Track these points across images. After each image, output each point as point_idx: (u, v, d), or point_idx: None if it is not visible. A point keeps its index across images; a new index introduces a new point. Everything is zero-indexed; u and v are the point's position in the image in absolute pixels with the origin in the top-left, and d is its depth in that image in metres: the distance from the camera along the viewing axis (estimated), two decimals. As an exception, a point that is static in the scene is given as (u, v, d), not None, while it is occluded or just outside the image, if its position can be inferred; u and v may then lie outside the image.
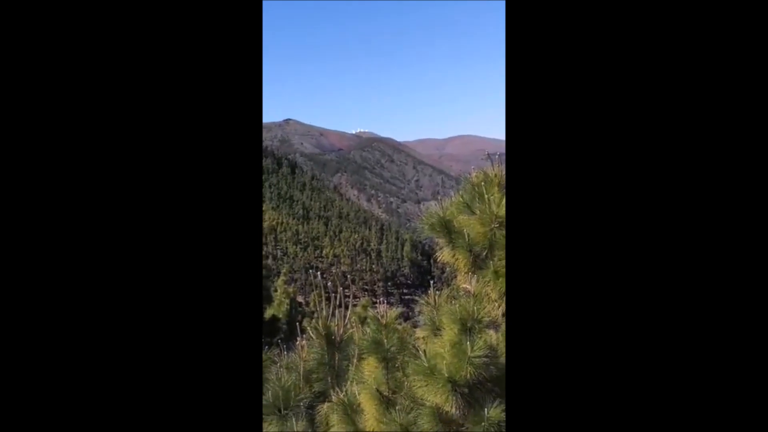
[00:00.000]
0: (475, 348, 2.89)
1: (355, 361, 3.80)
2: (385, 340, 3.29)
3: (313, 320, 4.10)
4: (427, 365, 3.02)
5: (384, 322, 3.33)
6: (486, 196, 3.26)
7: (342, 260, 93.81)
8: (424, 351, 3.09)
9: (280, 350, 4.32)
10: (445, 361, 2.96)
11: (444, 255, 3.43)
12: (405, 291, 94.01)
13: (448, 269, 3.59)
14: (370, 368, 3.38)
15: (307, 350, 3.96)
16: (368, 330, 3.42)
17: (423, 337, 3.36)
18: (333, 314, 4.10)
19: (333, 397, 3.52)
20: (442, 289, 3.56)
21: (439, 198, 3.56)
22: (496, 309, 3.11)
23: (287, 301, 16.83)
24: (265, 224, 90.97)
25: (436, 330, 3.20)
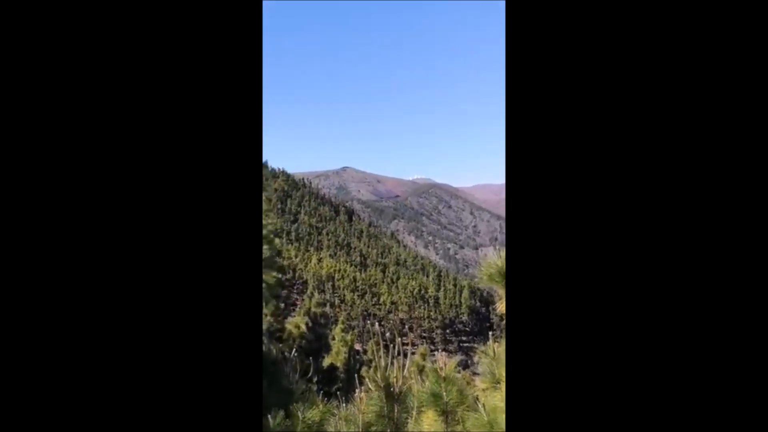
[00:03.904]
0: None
1: (414, 413, 3.75)
2: (444, 393, 3.25)
3: (371, 369, 4.08)
4: (486, 419, 2.96)
5: (443, 375, 3.29)
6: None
7: (399, 307, 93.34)
8: (483, 404, 3.04)
9: (339, 402, 4.31)
10: (504, 416, 2.90)
11: (504, 306, 3.39)
12: (464, 338, 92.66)
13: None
14: (430, 421, 3.34)
15: (366, 402, 3.94)
16: (427, 382, 3.39)
17: (483, 389, 3.30)
18: (391, 363, 4.08)
19: (392, 450, 3.48)
20: (501, 338, 3.50)
21: (496, 244, 3.53)
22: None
23: (345, 349, 16.82)
24: (323, 271, 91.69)
25: (495, 382, 3.15)
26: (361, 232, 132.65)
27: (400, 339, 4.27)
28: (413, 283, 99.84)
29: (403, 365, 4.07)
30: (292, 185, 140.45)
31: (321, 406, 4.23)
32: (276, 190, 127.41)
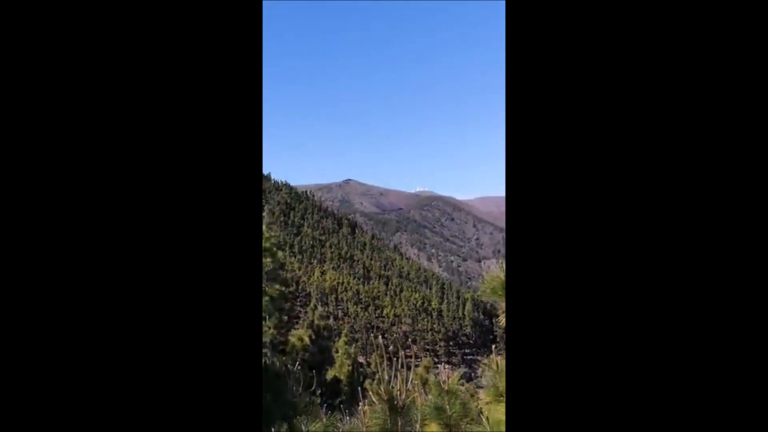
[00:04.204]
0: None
1: (417, 426, 3.75)
2: (448, 406, 3.25)
3: (374, 382, 4.08)
4: (490, 432, 2.96)
5: (446, 388, 3.29)
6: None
7: (403, 320, 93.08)
8: (487, 418, 3.04)
9: (342, 415, 4.30)
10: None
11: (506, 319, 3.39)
12: (467, 351, 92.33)
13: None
14: (433, 435, 3.33)
15: (369, 415, 3.93)
16: (430, 395, 3.39)
17: (486, 403, 3.30)
18: (395, 376, 4.08)
19: (396, 463, 3.47)
20: (504, 350, 3.50)
21: (499, 257, 3.53)
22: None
23: (348, 362, 16.79)
24: (326, 284, 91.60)
25: (499, 396, 3.15)
26: (364, 244, 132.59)
27: (403, 351, 4.27)
28: (416, 295, 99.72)
29: (407, 378, 4.07)
30: (295, 198, 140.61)
31: (324, 420, 4.22)
32: (279, 202, 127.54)
